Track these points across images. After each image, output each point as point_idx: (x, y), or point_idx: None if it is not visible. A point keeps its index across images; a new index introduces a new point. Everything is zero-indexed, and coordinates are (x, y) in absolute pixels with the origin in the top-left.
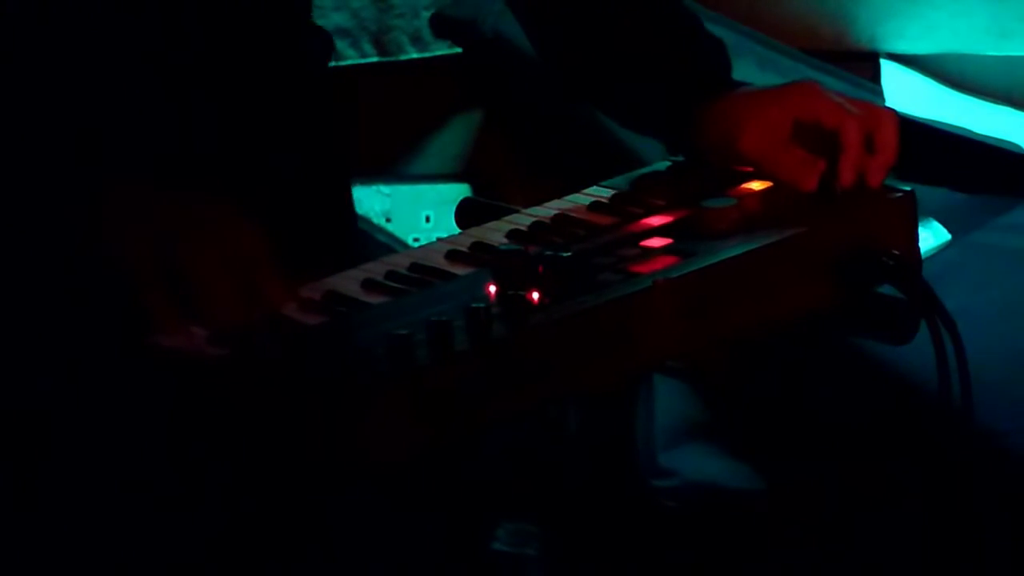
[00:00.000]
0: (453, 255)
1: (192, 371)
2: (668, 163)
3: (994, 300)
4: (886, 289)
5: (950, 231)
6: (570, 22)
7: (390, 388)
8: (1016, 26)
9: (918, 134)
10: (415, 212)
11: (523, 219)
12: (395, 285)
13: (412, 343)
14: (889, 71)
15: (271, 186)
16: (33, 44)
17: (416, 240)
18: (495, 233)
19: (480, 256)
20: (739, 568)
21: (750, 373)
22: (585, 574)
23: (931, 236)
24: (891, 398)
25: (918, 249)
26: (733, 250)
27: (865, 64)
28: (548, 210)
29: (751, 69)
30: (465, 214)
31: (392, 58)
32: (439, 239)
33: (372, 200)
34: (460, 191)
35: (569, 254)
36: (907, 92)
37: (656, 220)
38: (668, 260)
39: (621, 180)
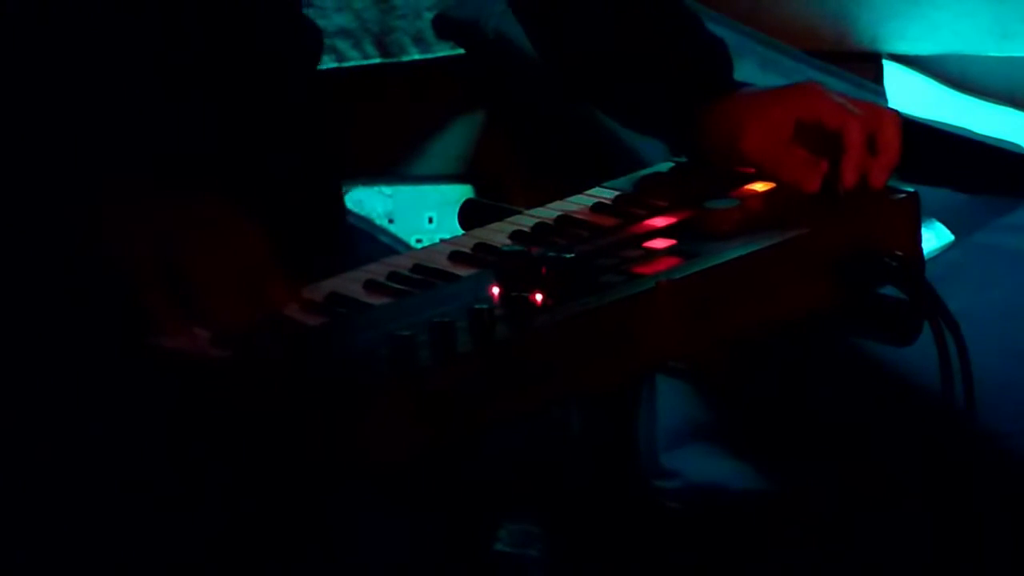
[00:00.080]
0: (456, 256)
1: (194, 372)
2: (671, 164)
3: (997, 301)
4: (889, 290)
5: (953, 232)
6: (570, 22)
7: (392, 389)
8: (1018, 27)
9: (920, 135)
10: (418, 213)
11: (526, 220)
12: (397, 286)
13: (415, 344)
14: (891, 72)
15: (265, 185)
16: (33, 44)
17: (419, 241)
18: (498, 234)
19: (483, 257)
20: (741, 568)
21: (753, 374)
22: (587, 575)
23: (934, 237)
24: (894, 399)
25: (921, 250)
26: (736, 251)
27: (867, 65)
28: (551, 211)
29: (753, 70)
30: (468, 215)
31: (394, 59)
32: (442, 240)
33: (374, 201)
34: (463, 192)
35: (572, 255)
36: (909, 93)
37: (659, 221)
38: (671, 261)
39: (624, 181)
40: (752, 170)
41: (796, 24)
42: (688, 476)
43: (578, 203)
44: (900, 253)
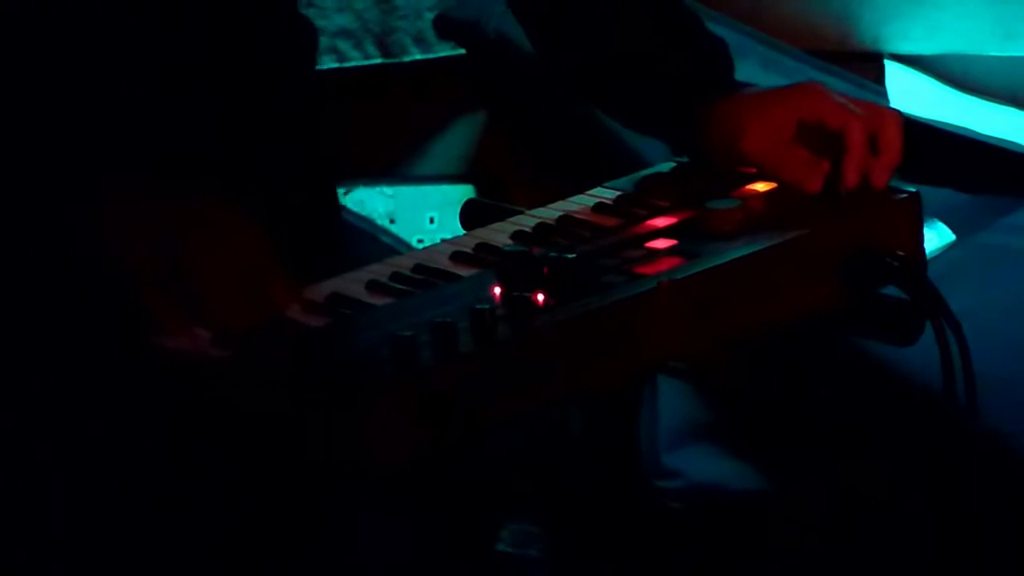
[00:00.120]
0: (457, 256)
1: (195, 372)
2: (672, 164)
3: (999, 301)
4: (891, 290)
5: (955, 232)
6: (570, 22)
7: (394, 389)
8: (1020, 27)
9: (922, 135)
10: (419, 213)
11: (527, 220)
12: (399, 286)
13: (416, 344)
14: (893, 72)
15: (260, 184)
16: (33, 44)
17: (420, 241)
18: (499, 234)
19: (484, 257)
20: (743, 568)
21: (754, 374)
22: (588, 575)
23: (935, 237)
24: (895, 399)
25: (923, 250)
26: (737, 251)
27: (869, 65)
28: (552, 211)
29: (754, 70)
30: (469, 215)
31: (395, 59)
32: (443, 240)
33: (376, 201)
34: (464, 192)
35: (573, 255)
36: (911, 93)
37: (660, 221)
38: (672, 261)
39: (625, 181)
40: (753, 170)
41: (798, 24)
42: (689, 476)
43: (579, 203)
44: (902, 253)
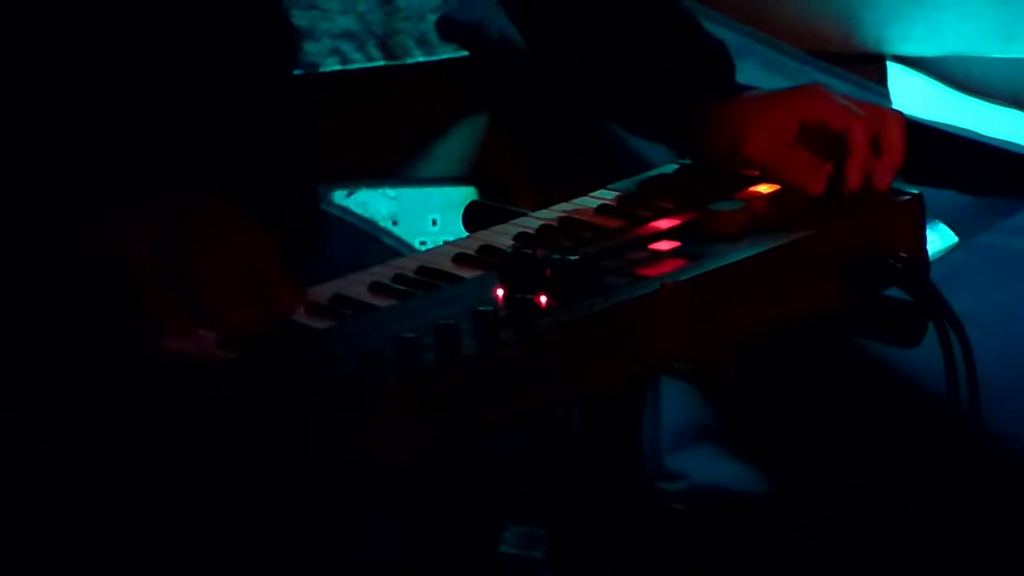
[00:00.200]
0: (460, 258)
1: (198, 373)
2: (675, 166)
3: (1002, 302)
4: (893, 291)
5: (957, 233)
6: (561, 23)
7: (397, 391)
8: (1022, 28)
9: (925, 136)
10: (422, 215)
11: (530, 222)
12: (402, 288)
13: (419, 346)
14: (895, 73)
15: (239, 184)
16: (33, 46)
17: (423, 243)
18: (502, 236)
19: (487, 259)
20: (746, 570)
21: (757, 375)
22: None
23: (938, 238)
24: (898, 401)
25: (925, 252)
26: (741, 253)
27: (871, 66)
28: (555, 213)
29: (756, 71)
30: (472, 217)
31: (398, 61)
32: (446, 242)
33: (378, 203)
34: (467, 194)
35: (576, 257)
36: (913, 94)
37: (663, 223)
38: (676, 263)
39: (628, 183)
40: (756, 172)
41: (800, 25)
42: (692, 478)
43: (582, 205)
44: (904, 255)
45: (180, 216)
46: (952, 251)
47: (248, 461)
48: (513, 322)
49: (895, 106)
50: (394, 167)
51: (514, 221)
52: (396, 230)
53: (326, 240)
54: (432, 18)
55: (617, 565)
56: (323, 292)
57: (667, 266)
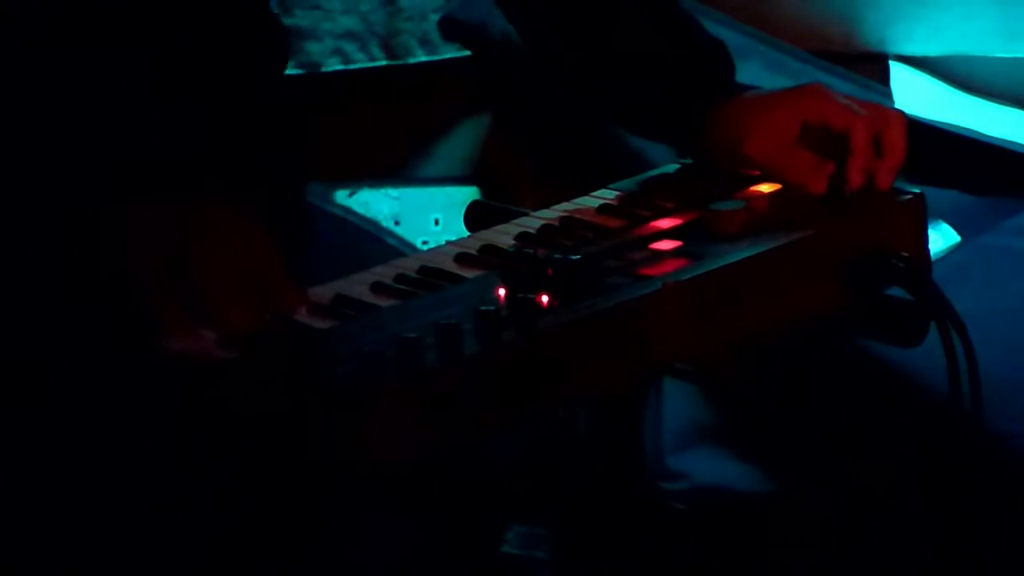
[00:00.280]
0: (462, 258)
1: (200, 373)
2: (677, 166)
3: (1003, 302)
4: (895, 291)
5: (959, 233)
6: (561, 23)
7: (399, 391)
8: None
9: (927, 136)
10: (424, 215)
11: (532, 222)
12: (404, 288)
13: (421, 346)
14: (898, 73)
15: (231, 185)
16: (34, 49)
17: (425, 243)
18: (504, 236)
19: (489, 259)
20: (748, 570)
21: (759, 375)
22: None
23: (940, 238)
24: (900, 400)
25: (927, 251)
26: (742, 253)
27: (874, 66)
28: (557, 213)
29: (759, 71)
30: (474, 217)
31: (400, 61)
32: (448, 242)
33: (381, 203)
34: (469, 194)
35: (578, 257)
36: (916, 94)
37: (665, 223)
38: (677, 263)
39: (630, 183)
40: (757, 171)
41: (802, 25)
42: (694, 478)
43: (584, 205)
44: (906, 254)
45: (181, 217)
46: (954, 251)
47: (249, 461)
48: (515, 322)
49: (898, 106)
50: (396, 167)
51: (516, 221)
52: (398, 230)
53: (315, 239)
54: (434, 18)
55: (619, 565)
56: (325, 292)
57: (668, 266)
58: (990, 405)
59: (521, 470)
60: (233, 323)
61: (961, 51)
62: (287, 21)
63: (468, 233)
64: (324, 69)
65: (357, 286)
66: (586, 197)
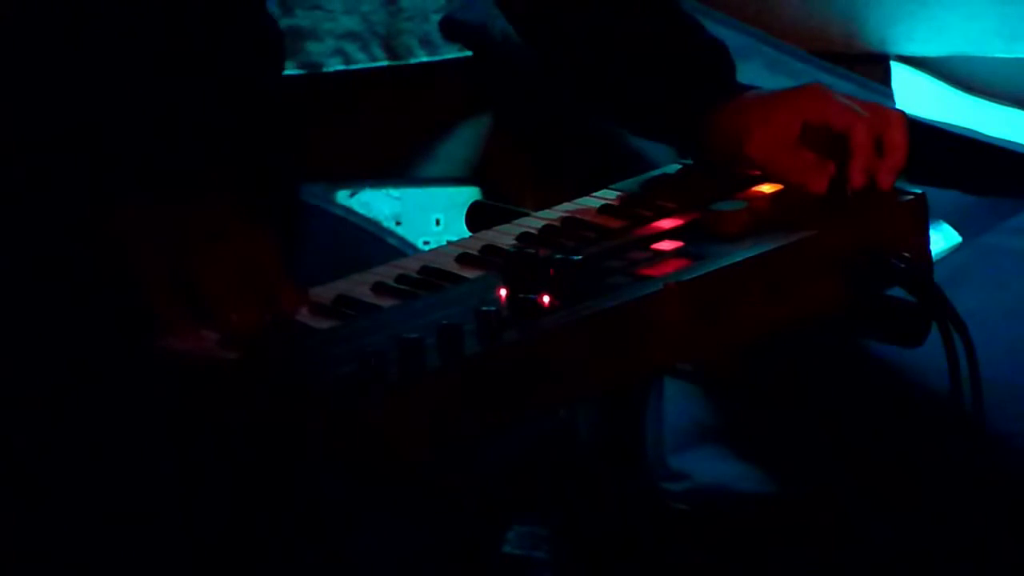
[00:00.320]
0: (463, 258)
1: (202, 373)
2: (678, 166)
3: (1005, 302)
4: (897, 291)
5: (960, 234)
6: (561, 25)
7: (400, 391)
8: None
9: (929, 136)
10: (425, 215)
11: (533, 222)
12: (405, 288)
13: (422, 347)
14: (899, 73)
15: (225, 183)
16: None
17: (426, 243)
18: (505, 236)
19: (490, 259)
20: (749, 570)
21: (760, 375)
22: None
23: (941, 239)
24: (901, 400)
25: (929, 252)
26: (743, 253)
27: (875, 66)
28: (558, 213)
29: (760, 71)
30: (475, 217)
31: (402, 61)
32: (449, 242)
33: (382, 203)
34: (470, 194)
35: (579, 257)
36: (917, 94)
37: (666, 223)
38: (678, 263)
39: (631, 183)
40: (759, 172)
41: (804, 26)
42: (695, 478)
43: (585, 205)
44: (908, 255)
45: (182, 217)
46: (956, 251)
47: (249, 461)
48: (516, 322)
49: (899, 106)
50: (397, 167)
51: (517, 221)
52: (399, 230)
53: (316, 239)
54: (435, 18)
55: (620, 565)
56: (326, 292)
57: (670, 266)
58: (991, 405)
59: (522, 470)
60: (234, 323)
61: (962, 52)
62: (288, 21)
63: (469, 233)
64: (325, 69)
65: (358, 286)
66: (587, 197)
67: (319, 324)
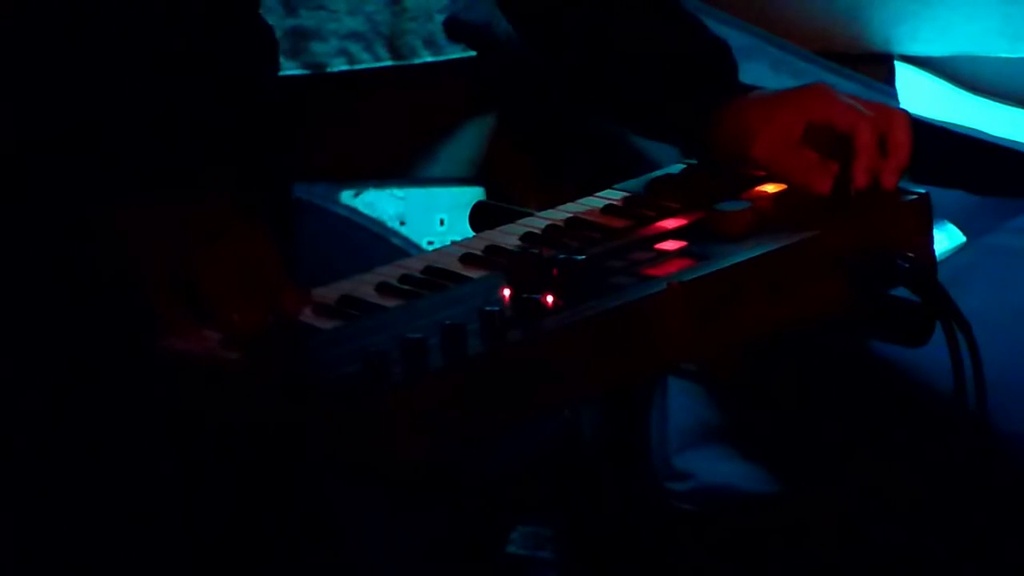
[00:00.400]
0: (467, 258)
1: (204, 374)
2: (682, 166)
3: (1009, 302)
4: (901, 291)
5: (965, 233)
6: (563, 26)
7: (404, 391)
8: None
9: (933, 136)
10: (429, 215)
11: (537, 222)
12: (409, 288)
13: (426, 347)
14: (903, 73)
15: (220, 183)
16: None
17: (430, 243)
18: (509, 236)
19: (494, 259)
20: (753, 570)
21: (764, 375)
22: None
23: (946, 238)
24: (905, 400)
25: (933, 252)
26: (747, 253)
27: (879, 66)
28: (562, 213)
29: (764, 71)
30: (479, 217)
31: (406, 62)
32: (453, 242)
33: (386, 203)
34: (474, 194)
35: (583, 257)
36: (921, 94)
37: (670, 223)
38: (682, 263)
39: (635, 183)
40: (762, 172)
41: (808, 26)
42: (700, 477)
43: (589, 205)
44: (912, 255)
45: (184, 217)
46: (960, 251)
47: (253, 461)
48: (520, 322)
49: (903, 106)
50: (401, 167)
51: (521, 221)
52: (403, 230)
53: (320, 239)
54: (439, 18)
55: (624, 565)
56: (330, 292)
57: (673, 266)
58: (995, 405)
59: (526, 470)
60: (236, 323)
61: (966, 51)
62: (292, 21)
63: (473, 233)
64: (329, 69)
65: (362, 286)
66: (591, 197)
67: (323, 324)
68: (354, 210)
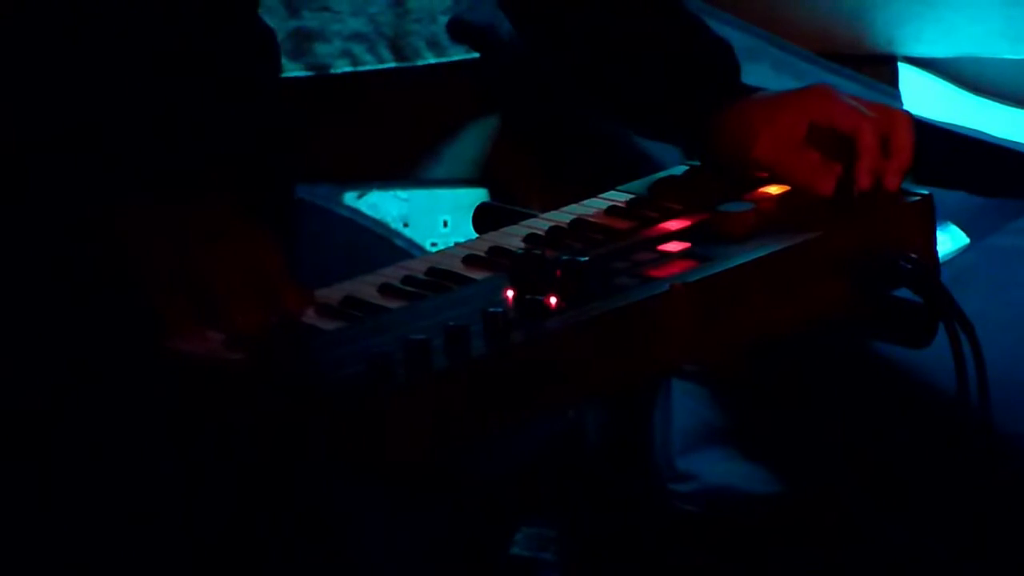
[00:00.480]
0: (470, 260)
1: (207, 374)
2: (685, 167)
3: (1012, 303)
4: (904, 292)
5: (968, 235)
6: (565, 27)
7: (407, 392)
8: None
9: (936, 137)
10: (432, 217)
11: (540, 224)
12: (412, 290)
13: (429, 348)
14: (906, 74)
15: (221, 183)
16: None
17: (434, 245)
18: (512, 238)
19: (497, 261)
20: (756, 571)
21: (767, 376)
22: None
23: (949, 240)
24: (908, 402)
25: (936, 253)
26: (750, 254)
27: (882, 67)
28: (565, 214)
29: (767, 72)
30: (482, 219)
31: (409, 63)
32: (456, 244)
33: (389, 205)
34: (478, 196)
35: (586, 259)
36: (924, 95)
37: (673, 224)
38: (685, 264)
39: (638, 184)
40: (765, 173)
41: (811, 27)
42: (703, 479)
43: (592, 206)
44: (915, 256)
45: (186, 217)
46: (963, 252)
47: (254, 461)
48: (523, 323)
49: (906, 107)
50: (405, 169)
51: (524, 222)
52: (407, 231)
53: (323, 240)
54: (443, 20)
55: (627, 566)
56: (333, 293)
57: (676, 267)
58: (998, 406)
59: (529, 471)
60: (240, 324)
61: (969, 53)
62: (295, 23)
63: (476, 235)
64: (333, 71)
65: (365, 288)
66: (594, 199)
67: (326, 325)
68: (357, 211)
